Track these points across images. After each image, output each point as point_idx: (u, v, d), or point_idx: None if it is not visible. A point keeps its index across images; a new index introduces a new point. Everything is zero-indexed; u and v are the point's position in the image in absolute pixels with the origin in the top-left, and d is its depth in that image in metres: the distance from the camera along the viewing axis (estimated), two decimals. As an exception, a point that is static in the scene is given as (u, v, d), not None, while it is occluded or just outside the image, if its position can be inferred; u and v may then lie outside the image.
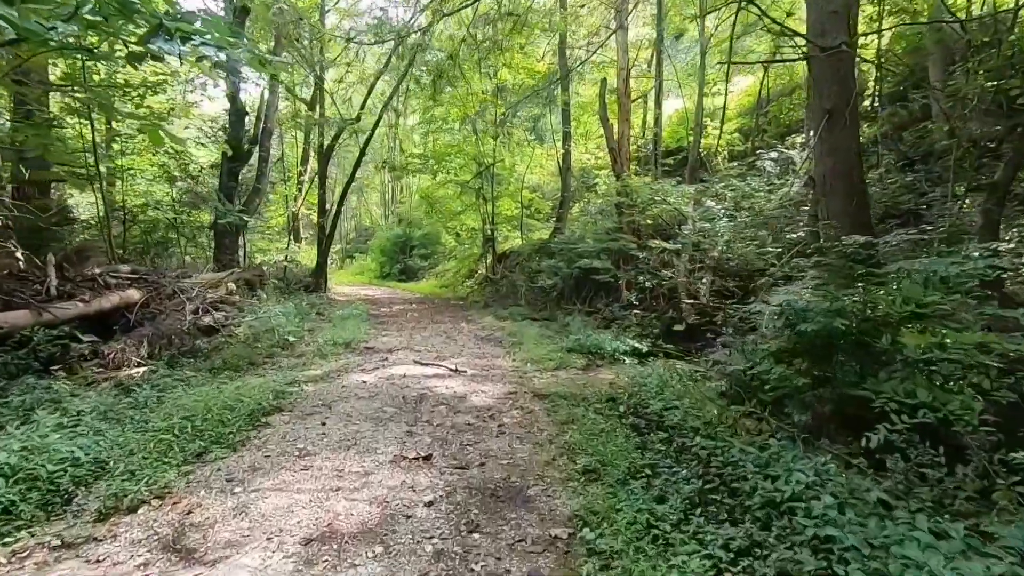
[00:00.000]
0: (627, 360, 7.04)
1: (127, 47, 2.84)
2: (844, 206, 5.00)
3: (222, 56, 2.95)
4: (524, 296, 12.54)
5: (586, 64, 17.48)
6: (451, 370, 6.15)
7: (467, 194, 16.74)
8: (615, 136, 10.07)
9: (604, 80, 10.21)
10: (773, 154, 13.31)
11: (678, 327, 8.37)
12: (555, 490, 3.16)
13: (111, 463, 3.28)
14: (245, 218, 10.16)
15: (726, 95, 11.11)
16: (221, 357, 6.15)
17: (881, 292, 3.33)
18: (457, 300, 15.51)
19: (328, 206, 14.99)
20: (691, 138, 16.08)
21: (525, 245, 15.28)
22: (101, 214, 8.37)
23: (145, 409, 4.18)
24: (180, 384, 4.94)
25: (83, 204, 12.35)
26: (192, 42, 2.74)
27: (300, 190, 19.72)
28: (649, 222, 9.42)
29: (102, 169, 8.23)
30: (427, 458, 3.63)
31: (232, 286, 8.67)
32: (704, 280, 9.20)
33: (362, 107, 15.57)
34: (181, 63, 4.22)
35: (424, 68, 15.18)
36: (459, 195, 17.24)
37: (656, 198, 9.56)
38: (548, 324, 9.94)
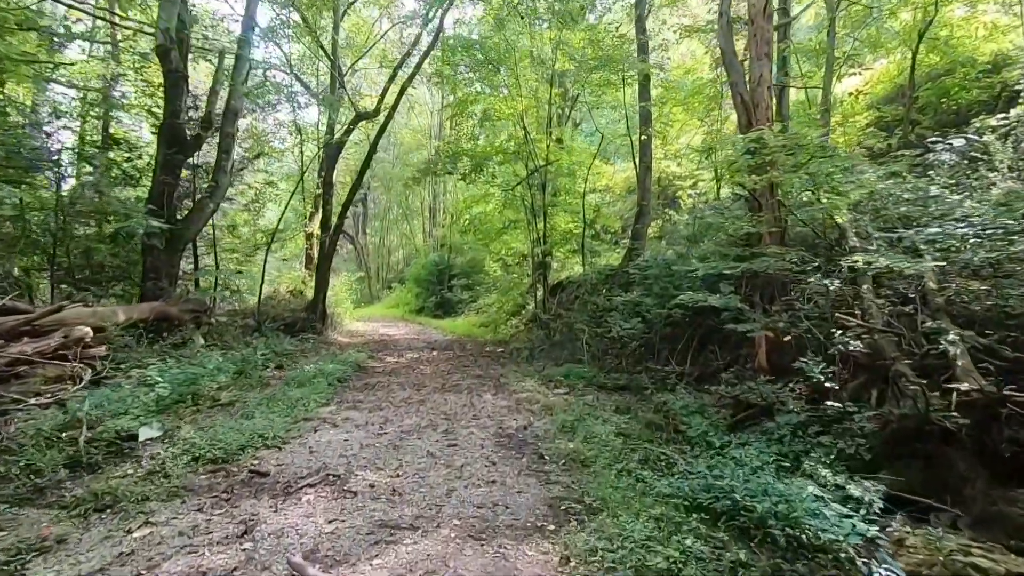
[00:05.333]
0: (877, 570, 2.61)
1: None
2: None
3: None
4: (587, 345, 8.28)
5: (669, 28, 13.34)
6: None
7: (512, 206, 12.83)
8: (747, 80, 5.83)
9: (727, -10, 6.06)
10: (957, 141, 8.62)
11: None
12: None
13: None
14: (158, 224, 6.65)
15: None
16: None
17: None
18: (496, 344, 11.47)
19: (331, 220, 11.56)
20: (815, 129, 11.56)
21: (588, 273, 11.05)
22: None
23: None
24: None
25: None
26: None
27: (317, 207, 16.69)
28: (839, 220, 4.97)
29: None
30: None
31: (85, 330, 5.07)
32: (951, 337, 4.48)
33: (382, 97, 12.26)
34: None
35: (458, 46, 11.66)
36: (503, 208, 13.34)
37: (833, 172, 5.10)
38: (630, 404, 5.65)
